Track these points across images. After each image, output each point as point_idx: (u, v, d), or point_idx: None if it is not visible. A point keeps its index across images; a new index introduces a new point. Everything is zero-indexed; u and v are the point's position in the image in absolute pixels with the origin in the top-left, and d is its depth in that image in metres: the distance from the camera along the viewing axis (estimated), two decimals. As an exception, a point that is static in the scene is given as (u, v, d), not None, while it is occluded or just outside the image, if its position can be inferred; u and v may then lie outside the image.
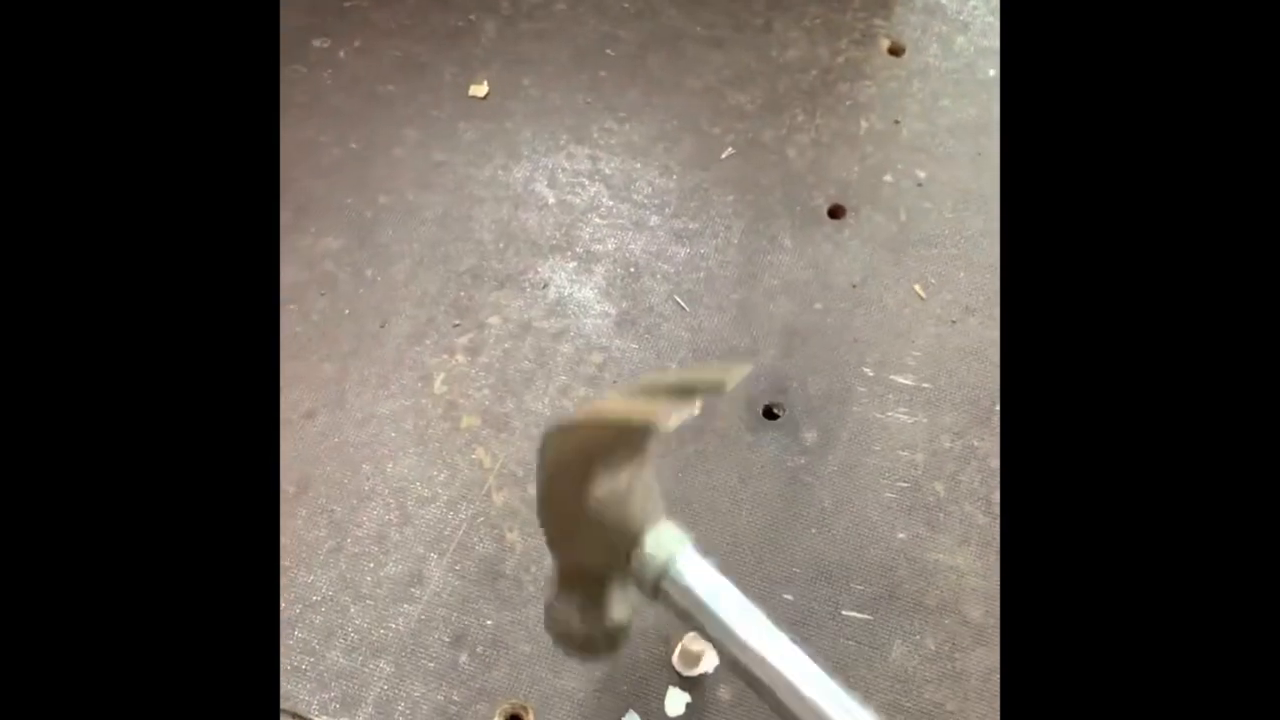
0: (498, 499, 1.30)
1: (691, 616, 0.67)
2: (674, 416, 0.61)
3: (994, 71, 1.66)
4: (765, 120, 1.64)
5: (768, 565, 1.24)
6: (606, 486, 0.66)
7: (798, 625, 1.20)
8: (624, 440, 0.65)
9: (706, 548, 1.27)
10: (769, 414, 1.37)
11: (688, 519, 1.31)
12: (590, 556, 0.72)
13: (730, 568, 1.24)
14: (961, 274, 1.47)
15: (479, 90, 1.66)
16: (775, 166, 1.59)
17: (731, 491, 1.30)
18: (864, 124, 1.63)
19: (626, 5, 1.76)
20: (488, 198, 1.56)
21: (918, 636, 1.19)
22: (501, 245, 1.51)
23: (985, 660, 1.17)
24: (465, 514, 1.29)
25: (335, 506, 1.29)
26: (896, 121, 1.63)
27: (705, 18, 1.75)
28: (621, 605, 0.75)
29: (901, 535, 1.25)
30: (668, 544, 0.68)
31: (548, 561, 1.27)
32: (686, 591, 0.67)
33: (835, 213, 1.54)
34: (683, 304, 1.46)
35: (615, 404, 0.66)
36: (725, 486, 1.30)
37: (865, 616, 1.21)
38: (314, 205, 1.54)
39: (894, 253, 1.49)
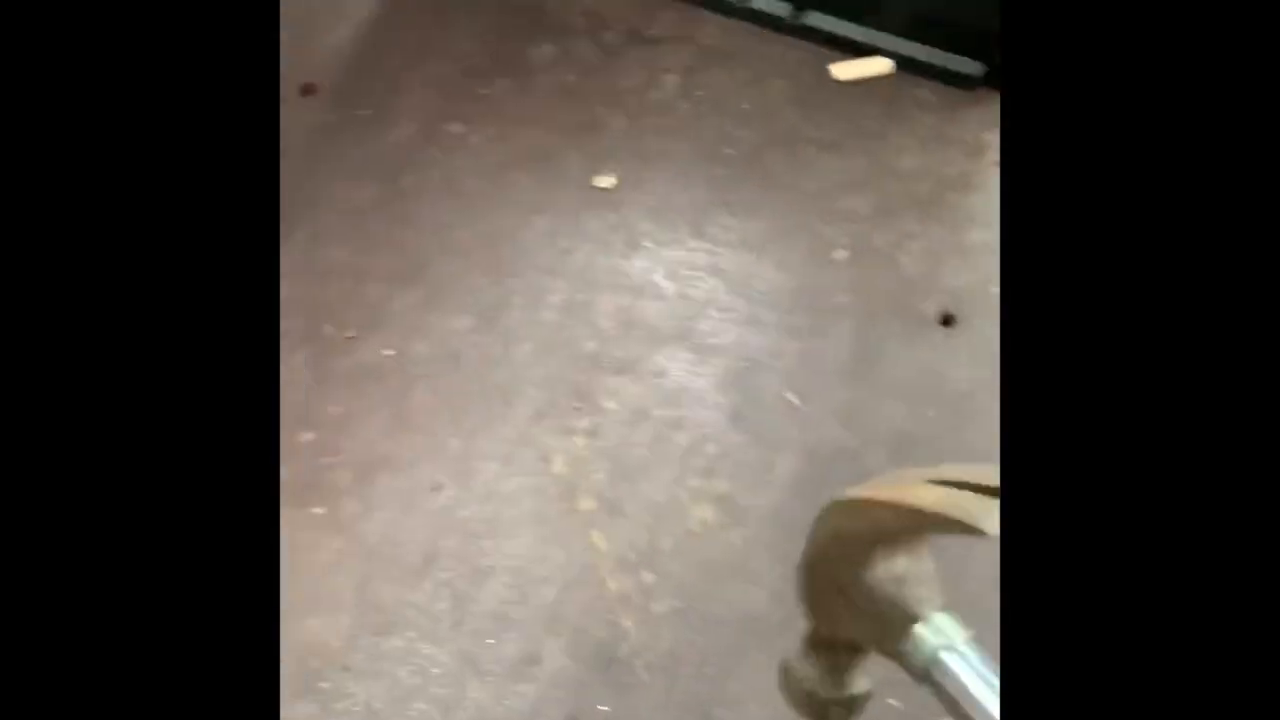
0: (612, 585, 1.34)
1: (959, 710, 0.65)
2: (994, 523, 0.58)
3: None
4: (878, 225, 1.69)
5: (875, 669, 1.26)
6: (884, 566, 0.65)
7: (906, 735, 1.22)
8: (925, 529, 0.63)
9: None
10: (877, 517, 1.40)
11: (791, 624, 1.34)
12: (852, 631, 0.71)
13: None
14: (1071, 389, 1.49)
15: (604, 182, 1.74)
16: (887, 271, 1.64)
17: (840, 593, 1.32)
18: (974, 235, 1.68)
19: (746, 106, 1.84)
20: (609, 286, 1.63)
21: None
22: (621, 333, 1.57)
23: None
24: (581, 597, 1.33)
25: (457, 581, 1.34)
26: (1008, 234, 1.67)
27: (822, 121, 1.82)
28: (866, 676, 0.74)
29: (1011, 650, 1.27)
30: (945, 632, 0.66)
31: (662, 649, 1.31)
32: (958, 686, 0.64)
33: (946, 321, 1.58)
34: (795, 401, 1.50)
35: (925, 492, 0.63)
36: (834, 587, 1.33)
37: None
38: (446, 285, 1.62)
39: (1004, 364, 1.52)
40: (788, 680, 0.78)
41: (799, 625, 1.30)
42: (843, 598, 0.69)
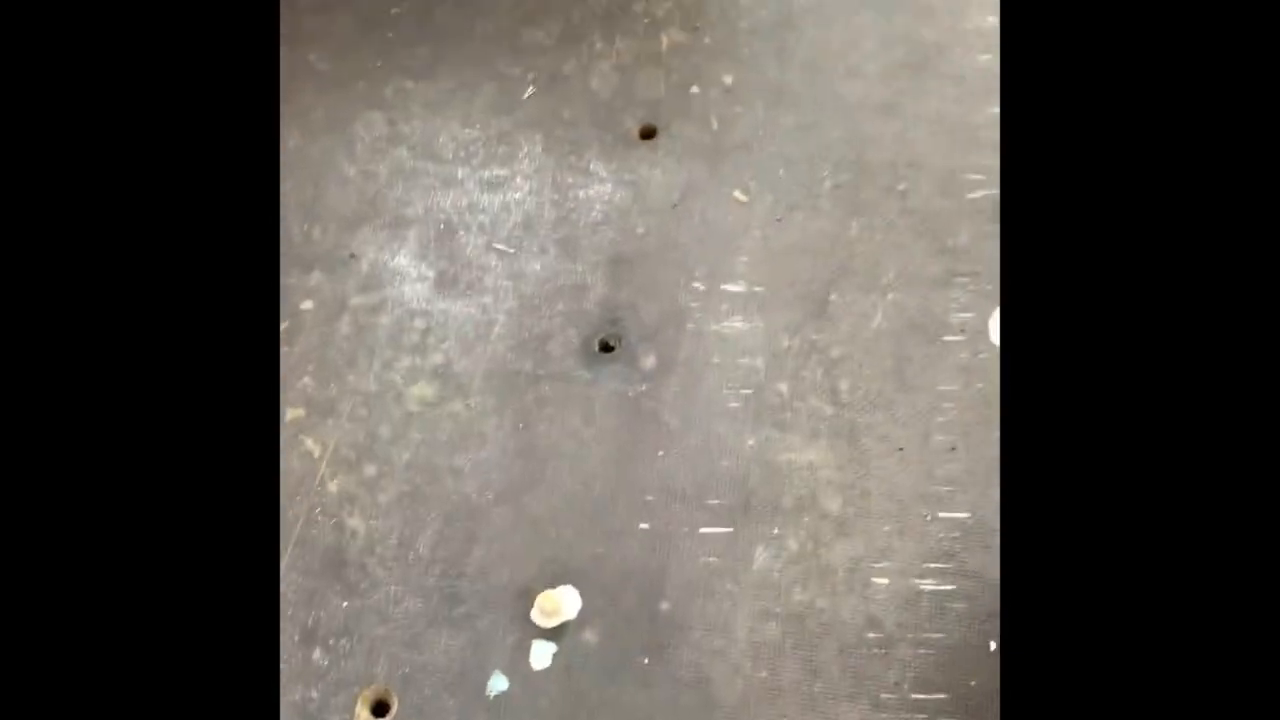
0: (332, 486, 1.23)
1: None
2: None
3: (788, -35, 1.61)
4: (564, 52, 1.58)
5: (621, 500, 1.20)
6: None
7: (656, 554, 1.16)
8: None
9: (556, 496, 1.22)
10: (605, 347, 1.32)
11: (535, 470, 1.27)
12: None
13: (584, 510, 1.20)
14: (781, 171, 1.43)
15: (261, 72, 1.57)
16: (579, 98, 1.53)
17: (575, 433, 1.25)
18: (664, 40, 1.58)
19: (406, -40, 1.68)
20: (287, 177, 1.47)
21: (779, 540, 1.16)
22: (306, 226, 1.43)
23: (849, 551, 1.14)
24: (302, 508, 1.22)
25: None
26: (696, 28, 1.58)
27: (489, -40, 1.67)
28: None
29: (750, 442, 1.22)
30: None
31: (393, 542, 1.21)
32: None
33: (647, 134, 1.49)
34: (505, 249, 1.40)
35: None
36: (569, 428, 1.25)
37: (724, 530, 1.17)
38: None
39: (710, 163, 1.45)
40: None
41: (541, 478, 1.21)
42: None
